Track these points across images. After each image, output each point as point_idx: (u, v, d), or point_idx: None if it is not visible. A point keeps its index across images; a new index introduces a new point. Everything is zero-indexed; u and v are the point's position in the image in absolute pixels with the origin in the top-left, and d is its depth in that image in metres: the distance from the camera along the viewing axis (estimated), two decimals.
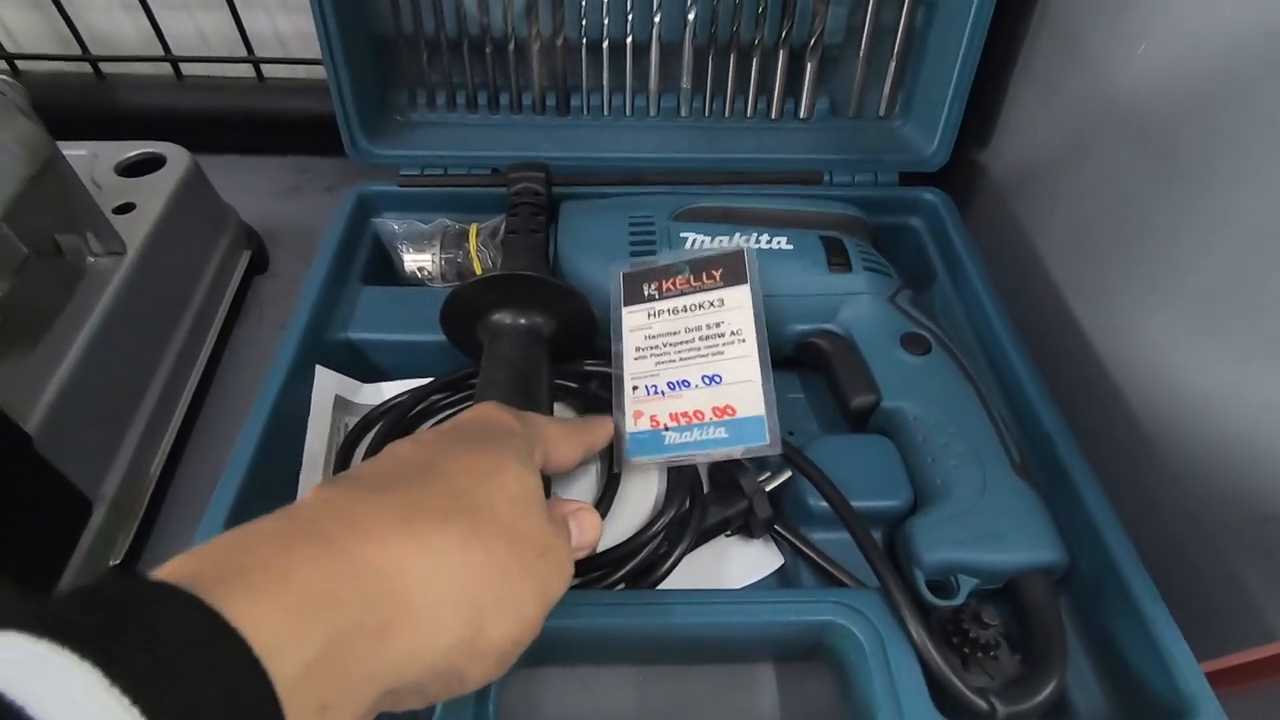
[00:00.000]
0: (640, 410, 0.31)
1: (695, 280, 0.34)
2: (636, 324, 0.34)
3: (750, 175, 0.45)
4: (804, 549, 0.31)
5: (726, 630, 0.28)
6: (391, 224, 0.42)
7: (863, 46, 0.45)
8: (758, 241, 0.38)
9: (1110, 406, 0.36)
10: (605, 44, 0.44)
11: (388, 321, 0.38)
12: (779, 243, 0.38)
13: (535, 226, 0.39)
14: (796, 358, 0.39)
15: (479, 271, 0.40)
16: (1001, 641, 0.27)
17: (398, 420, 0.34)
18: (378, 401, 0.36)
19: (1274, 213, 0.28)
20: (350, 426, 0.36)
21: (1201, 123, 0.31)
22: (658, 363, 0.32)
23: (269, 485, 0.32)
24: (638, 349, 0.33)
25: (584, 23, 0.44)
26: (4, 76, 0.34)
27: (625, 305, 0.34)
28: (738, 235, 0.38)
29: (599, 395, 0.35)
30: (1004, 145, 0.48)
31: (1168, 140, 0.33)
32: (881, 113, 0.47)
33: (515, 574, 0.20)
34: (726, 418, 0.30)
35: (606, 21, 0.43)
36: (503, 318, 0.34)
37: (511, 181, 0.41)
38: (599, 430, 0.30)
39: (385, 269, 0.43)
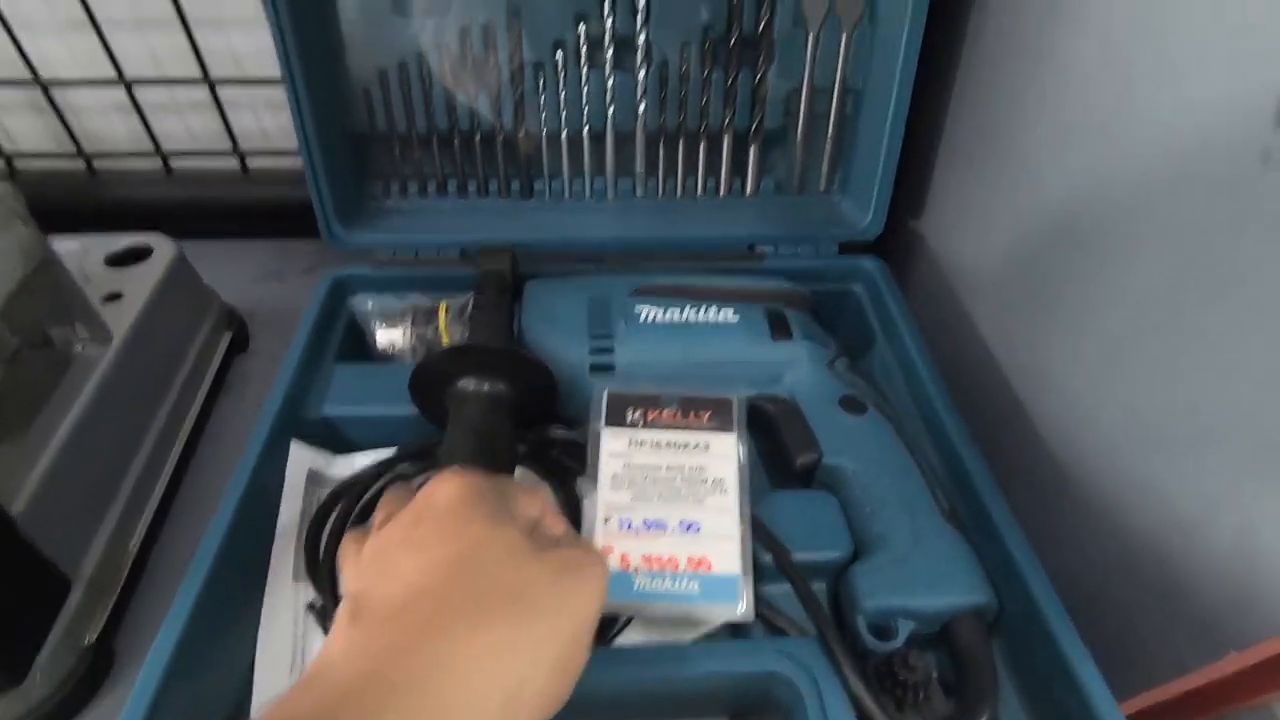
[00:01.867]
0: (611, 545, 0.30)
1: (683, 416, 0.34)
2: (616, 448, 0.33)
3: (702, 253, 0.48)
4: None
5: (673, 684, 0.29)
6: (366, 302, 0.44)
7: (800, 130, 0.49)
8: (707, 314, 0.41)
9: (1032, 452, 0.39)
10: (564, 134, 0.48)
11: (360, 397, 0.41)
12: (726, 315, 0.41)
13: (501, 304, 0.42)
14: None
15: (447, 343, 0.43)
16: (933, 683, 0.29)
17: (359, 495, 0.36)
18: (350, 473, 0.38)
19: (1161, 287, 0.31)
20: (323, 499, 0.37)
21: (1098, 205, 0.35)
22: (634, 496, 0.32)
23: (244, 560, 0.33)
24: (615, 476, 0.32)
25: (544, 115, 0.48)
26: (2, 182, 0.37)
27: (607, 424, 0.34)
28: (688, 309, 0.41)
29: (560, 461, 0.37)
30: (935, 214, 0.52)
31: (1071, 216, 0.37)
32: (821, 188, 0.51)
33: (535, 630, 0.22)
34: (701, 572, 0.30)
35: (565, 114, 0.48)
36: (468, 385, 0.36)
37: (480, 264, 0.44)
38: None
39: (360, 346, 0.45)
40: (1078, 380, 0.36)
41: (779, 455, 0.39)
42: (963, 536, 0.33)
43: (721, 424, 0.34)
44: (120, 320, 0.41)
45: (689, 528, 0.31)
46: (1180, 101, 0.30)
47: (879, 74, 0.45)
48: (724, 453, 0.33)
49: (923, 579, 0.32)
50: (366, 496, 0.36)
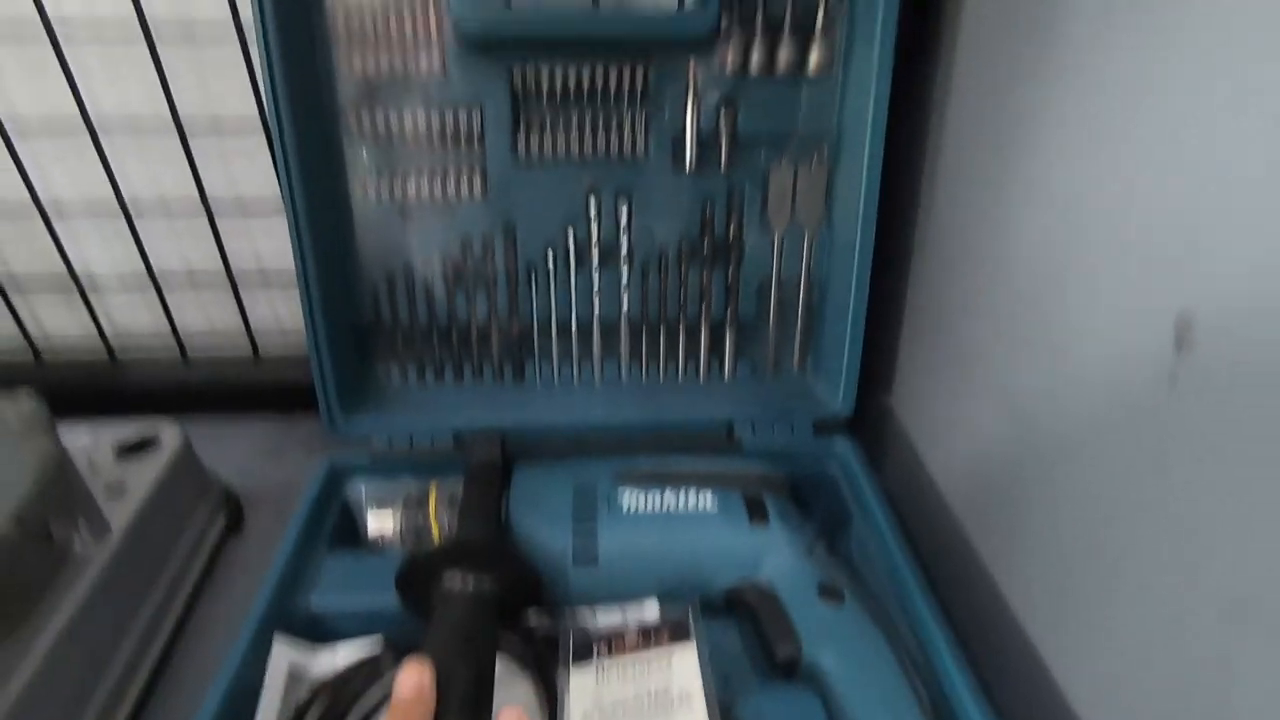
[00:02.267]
0: None
1: (644, 641, 0.35)
2: (584, 685, 0.34)
3: (683, 434, 0.51)
4: None
5: None
6: (359, 489, 0.46)
7: (771, 318, 0.53)
8: (687, 500, 0.43)
9: (1012, 644, 0.39)
10: (554, 325, 0.52)
11: (349, 587, 0.41)
12: (706, 502, 0.43)
13: (489, 492, 0.43)
14: (727, 606, 0.42)
15: (436, 533, 0.44)
16: None
17: (337, 697, 0.36)
18: (334, 664, 0.38)
19: (1105, 501, 0.33)
20: (300, 696, 0.37)
21: (1045, 404, 0.38)
22: None
23: None
24: (585, 714, 0.33)
25: (536, 308, 0.52)
26: (28, 391, 0.40)
27: (573, 663, 0.35)
28: (668, 496, 0.43)
29: (540, 653, 0.37)
30: (905, 392, 0.55)
31: (1022, 411, 0.40)
32: (795, 369, 0.55)
33: None
34: None
35: (555, 308, 0.52)
36: (452, 583, 0.37)
37: (470, 451, 0.46)
38: None
39: (353, 532, 0.46)
40: (1050, 573, 0.37)
41: (761, 643, 0.39)
42: None
43: (680, 635, 0.35)
44: (121, 514, 0.43)
45: None
46: (1102, 320, 0.33)
47: (839, 269, 0.50)
48: (686, 665, 0.34)
49: None
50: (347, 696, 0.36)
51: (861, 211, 0.47)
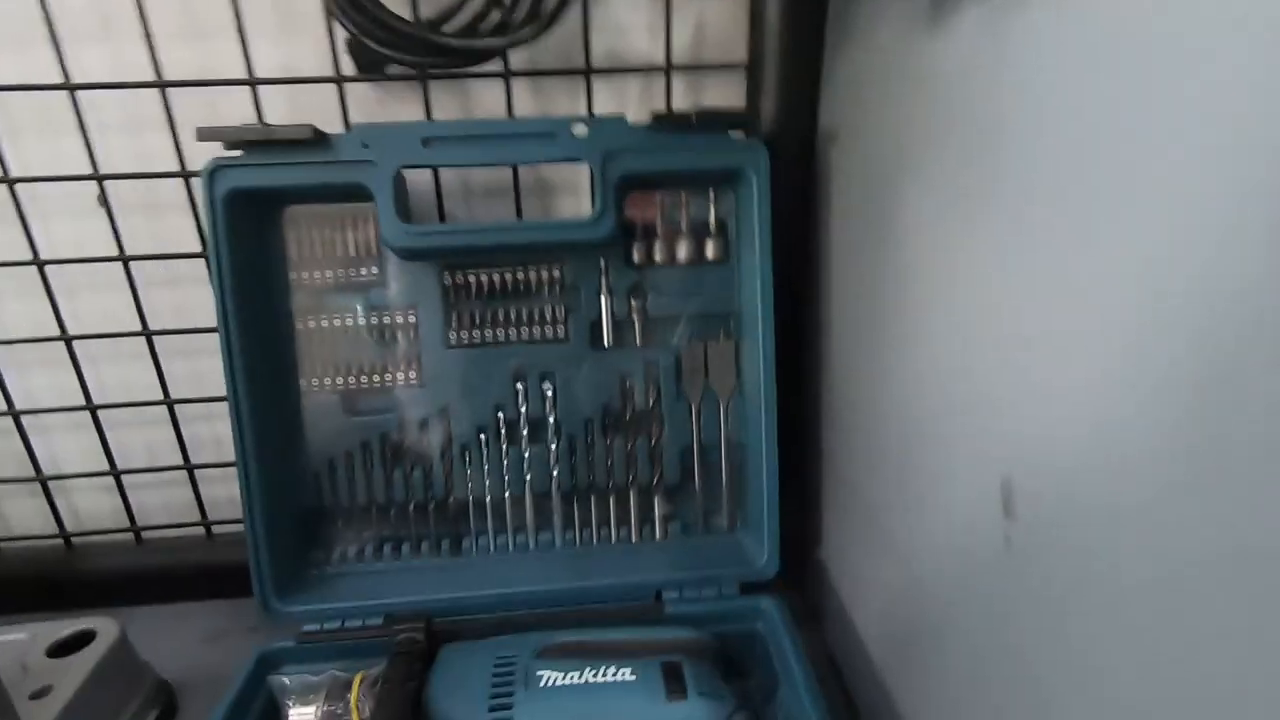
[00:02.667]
0: None
1: None
2: None
3: (614, 600, 0.52)
4: None
5: None
6: (284, 679, 0.46)
7: (696, 481, 0.56)
8: (604, 675, 0.43)
9: None
10: (488, 498, 0.55)
11: None
12: (624, 675, 0.43)
13: (410, 676, 0.44)
14: None
15: None
16: None
17: None
18: None
19: (990, 664, 0.34)
20: None
21: (937, 569, 0.40)
22: None
23: None
24: None
25: (470, 484, 0.55)
26: None
27: None
28: (588, 671, 0.43)
29: None
30: (832, 546, 0.56)
31: (923, 572, 0.42)
32: (726, 529, 0.57)
33: None
34: None
35: (489, 482, 0.55)
36: None
37: (394, 633, 0.47)
38: None
39: None
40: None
41: None
42: None
43: None
44: (42, 718, 0.43)
45: None
46: (952, 482, 0.36)
47: (754, 432, 0.53)
48: None
49: None
50: None
51: (762, 378, 0.52)
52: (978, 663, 0.34)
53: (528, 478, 0.55)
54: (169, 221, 0.57)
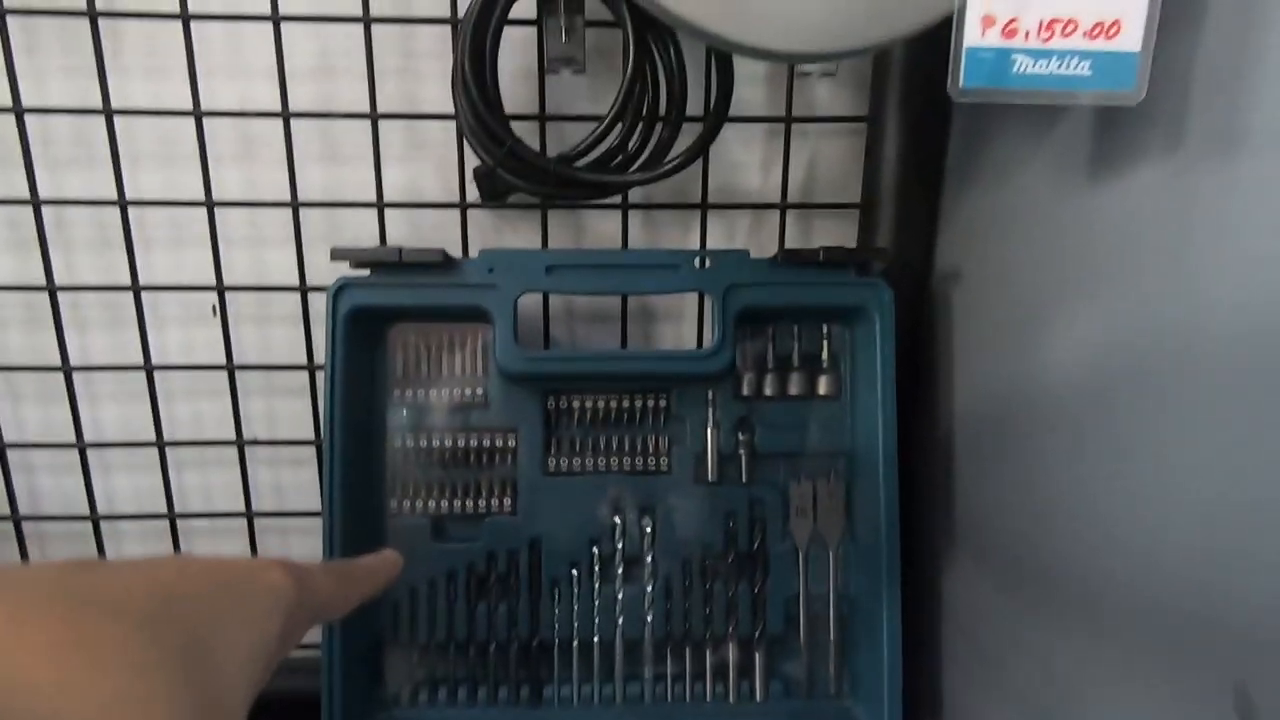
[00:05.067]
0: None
1: None
2: None
3: None
4: None
5: None
6: None
7: (802, 635, 0.51)
8: None
9: None
10: (575, 642, 0.51)
11: None
12: None
13: None
14: None
15: None
16: None
17: None
18: None
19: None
20: None
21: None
22: None
23: None
24: None
25: (557, 626, 0.51)
26: None
27: None
28: None
29: None
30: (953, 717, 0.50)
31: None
32: (832, 692, 0.51)
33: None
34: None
35: (577, 625, 0.50)
36: None
37: None
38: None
39: None
40: None
41: None
42: None
43: None
44: None
45: None
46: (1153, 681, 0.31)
47: (868, 584, 0.49)
48: None
49: None
50: None
51: (884, 524, 0.48)
52: None
53: (620, 620, 0.51)
54: (274, 332, 0.58)
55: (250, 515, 0.59)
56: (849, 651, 0.51)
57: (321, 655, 0.47)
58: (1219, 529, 0.28)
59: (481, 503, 0.51)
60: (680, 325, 0.60)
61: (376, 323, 0.50)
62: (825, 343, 0.52)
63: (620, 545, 0.51)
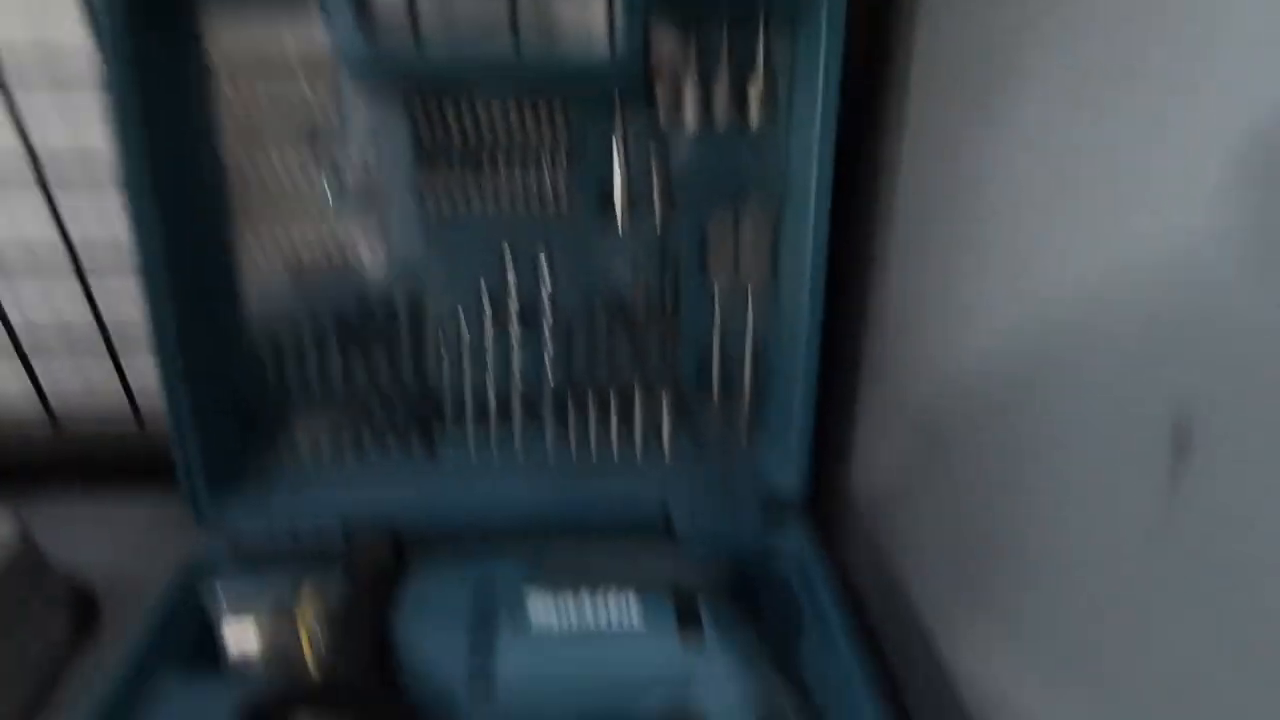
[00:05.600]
0: None
1: None
2: None
3: (613, 522, 0.45)
4: None
5: None
6: (219, 591, 0.39)
7: (714, 387, 0.48)
8: (609, 611, 0.36)
9: None
10: (468, 394, 0.46)
11: None
12: (630, 614, 0.36)
13: (372, 607, 0.36)
14: None
15: (308, 649, 0.37)
16: None
17: None
18: None
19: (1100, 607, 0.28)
20: None
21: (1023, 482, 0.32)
22: None
23: None
24: None
25: (446, 378, 0.46)
26: None
27: None
28: (587, 605, 0.36)
29: None
30: (863, 469, 0.49)
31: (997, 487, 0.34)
32: (742, 444, 0.49)
33: None
34: None
35: (469, 375, 0.46)
36: None
37: (354, 552, 0.39)
38: None
39: (214, 650, 0.39)
40: (1037, 691, 0.31)
41: None
42: None
43: None
44: None
45: None
46: (1093, 412, 0.28)
47: (788, 331, 0.45)
48: None
49: None
50: None
51: (810, 268, 0.43)
52: (1081, 607, 0.28)
53: (517, 370, 0.46)
54: None
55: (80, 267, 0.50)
56: (762, 404, 0.48)
57: (169, 424, 0.41)
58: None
59: (348, 242, 0.43)
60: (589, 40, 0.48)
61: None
62: (761, 50, 0.42)
63: (514, 289, 0.44)
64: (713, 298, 0.46)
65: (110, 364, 0.56)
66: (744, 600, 0.40)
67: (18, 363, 0.55)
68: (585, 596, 0.37)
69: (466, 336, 0.45)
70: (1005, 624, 0.33)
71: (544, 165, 0.43)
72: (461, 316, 0.45)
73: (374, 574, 0.38)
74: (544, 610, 0.36)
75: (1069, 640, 0.29)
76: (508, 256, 0.44)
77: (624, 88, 0.41)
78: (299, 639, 0.37)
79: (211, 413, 0.43)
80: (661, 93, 0.42)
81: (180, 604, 0.39)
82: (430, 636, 0.35)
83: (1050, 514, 0.30)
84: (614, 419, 0.48)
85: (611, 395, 0.47)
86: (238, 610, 0.38)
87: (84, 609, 0.46)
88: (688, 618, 0.36)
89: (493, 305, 0.45)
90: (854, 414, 0.50)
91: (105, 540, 0.52)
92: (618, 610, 0.36)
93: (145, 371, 0.58)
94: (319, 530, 0.43)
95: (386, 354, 0.45)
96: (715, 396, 0.48)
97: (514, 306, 0.45)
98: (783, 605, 0.43)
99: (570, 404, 0.47)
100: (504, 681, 0.34)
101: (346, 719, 0.30)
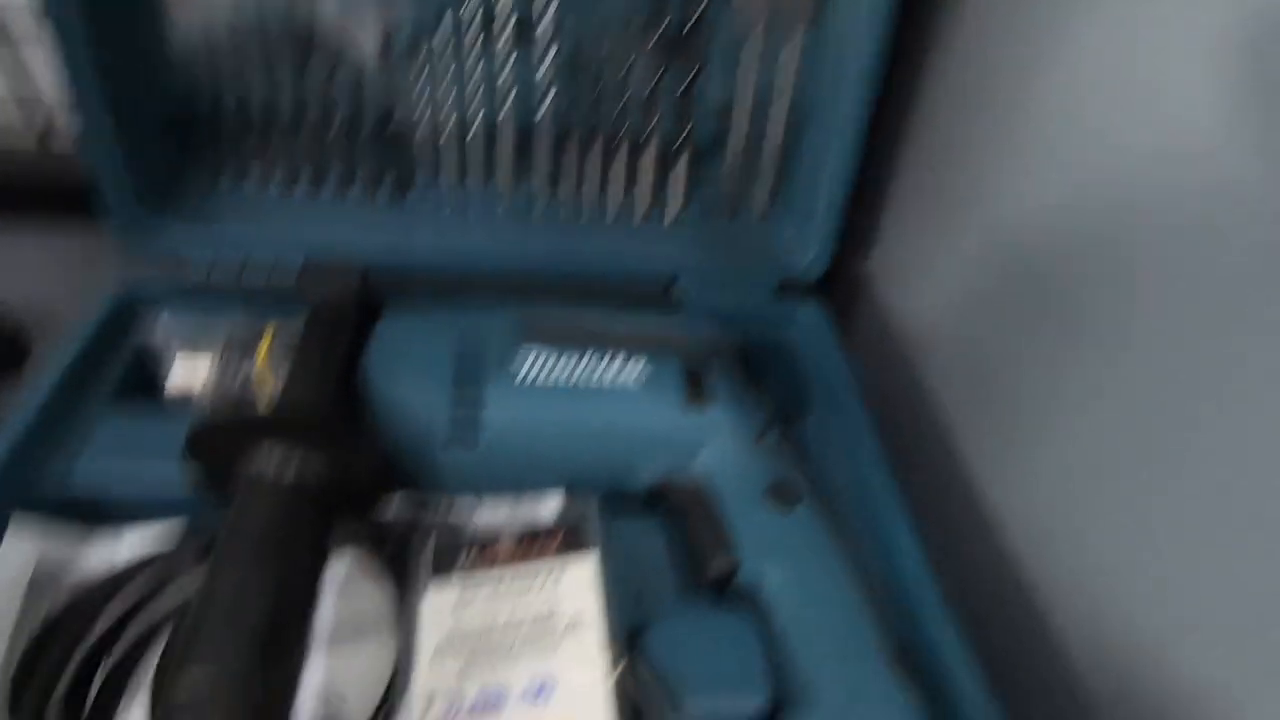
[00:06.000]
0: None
1: (524, 553, 0.26)
2: (440, 607, 0.25)
3: (608, 285, 0.40)
4: None
5: None
6: (162, 324, 0.34)
7: (736, 146, 0.41)
8: (607, 369, 0.32)
9: (997, 569, 0.32)
10: (451, 123, 0.39)
11: (136, 454, 0.30)
12: (631, 370, 0.32)
13: (335, 343, 0.32)
14: (649, 504, 0.33)
15: (266, 388, 0.33)
16: None
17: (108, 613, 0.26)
18: (113, 559, 0.28)
19: (1152, 377, 0.24)
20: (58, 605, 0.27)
21: (1073, 261, 0.28)
22: (466, 664, 0.24)
23: None
24: (439, 646, 0.24)
25: (424, 99, 0.38)
26: None
27: (434, 576, 0.26)
28: (584, 363, 0.32)
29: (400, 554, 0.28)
30: (886, 253, 0.45)
31: (1040, 271, 0.30)
32: (759, 216, 0.44)
33: None
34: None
35: (451, 99, 0.38)
36: (264, 464, 0.26)
37: (314, 284, 0.34)
38: None
39: (152, 384, 0.34)
40: (1063, 489, 0.29)
41: (688, 552, 0.31)
42: (910, 689, 0.26)
43: (575, 543, 0.26)
44: None
45: (539, 691, 0.22)
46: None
47: (831, 85, 0.38)
48: (579, 581, 0.25)
49: None
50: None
51: (867, 12, 0.35)
52: (1126, 401, 0.25)
53: (509, 94, 0.38)
54: None
55: None
56: (789, 171, 0.42)
57: (78, 129, 0.33)
58: None
59: None
60: None
61: None
62: None
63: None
64: (743, 39, 0.38)
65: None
66: (750, 380, 0.37)
67: None
68: (583, 354, 0.33)
69: (448, 54, 0.37)
70: (1034, 436, 0.30)
71: None
72: (446, 25, 0.36)
73: (339, 311, 0.33)
74: (538, 363, 0.32)
75: (1101, 455, 0.26)
76: None
77: None
78: (252, 379, 0.33)
79: (134, 124, 0.35)
80: None
81: (112, 334, 0.34)
82: (406, 386, 0.31)
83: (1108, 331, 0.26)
84: (620, 172, 0.41)
85: (621, 141, 0.40)
86: (190, 342, 0.33)
87: (12, 344, 0.41)
88: (695, 382, 0.33)
89: (484, 15, 0.36)
90: (886, 195, 0.44)
91: (32, 273, 0.46)
92: (620, 369, 0.32)
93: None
94: (277, 266, 0.37)
95: (351, 74, 0.37)
96: (733, 156, 0.41)
97: (508, 18, 0.36)
98: (790, 387, 0.40)
99: (571, 147, 0.40)
100: (489, 436, 0.30)
101: (307, 447, 0.26)
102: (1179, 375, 0.24)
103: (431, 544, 0.26)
